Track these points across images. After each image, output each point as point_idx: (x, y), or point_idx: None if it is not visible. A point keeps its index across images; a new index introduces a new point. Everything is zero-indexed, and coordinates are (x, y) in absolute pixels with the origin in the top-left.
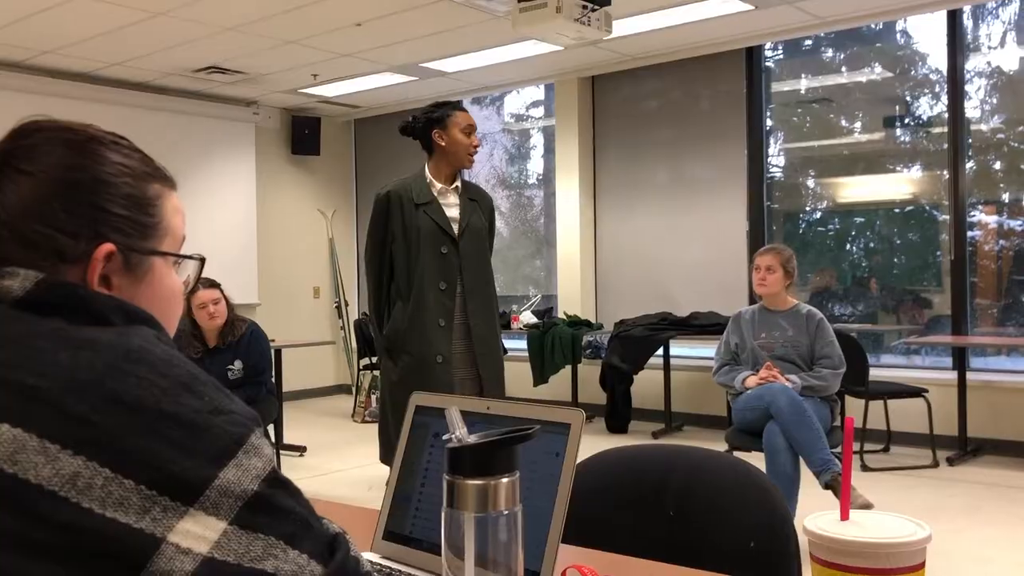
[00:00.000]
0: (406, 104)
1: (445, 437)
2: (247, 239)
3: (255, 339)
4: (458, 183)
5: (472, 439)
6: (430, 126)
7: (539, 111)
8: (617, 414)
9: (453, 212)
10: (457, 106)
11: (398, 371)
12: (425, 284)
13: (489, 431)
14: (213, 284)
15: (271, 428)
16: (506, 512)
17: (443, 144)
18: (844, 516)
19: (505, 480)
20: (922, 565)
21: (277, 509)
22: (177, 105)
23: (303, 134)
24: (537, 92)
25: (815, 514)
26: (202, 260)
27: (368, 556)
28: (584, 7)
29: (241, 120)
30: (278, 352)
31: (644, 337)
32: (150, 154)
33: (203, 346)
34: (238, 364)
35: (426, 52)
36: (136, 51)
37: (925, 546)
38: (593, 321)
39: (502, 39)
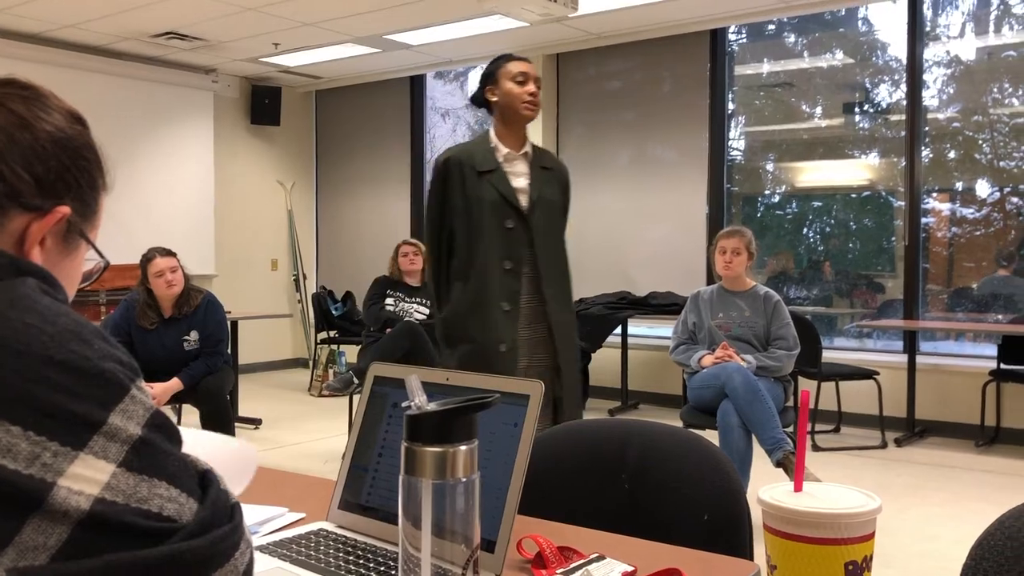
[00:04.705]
0: (369, 76)
1: (404, 404)
2: (204, 209)
3: (211, 309)
4: (528, 149)
5: (432, 406)
6: (483, 84)
7: None
8: None
9: (521, 182)
10: (509, 56)
11: (456, 359)
12: (488, 262)
13: (449, 399)
14: (170, 253)
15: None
16: (464, 480)
17: (496, 100)
18: (798, 488)
19: (464, 448)
20: (872, 535)
21: (160, 451)
22: (133, 71)
23: (263, 104)
24: None
25: (769, 485)
26: (107, 265)
27: (324, 526)
28: None
29: (199, 88)
30: (234, 324)
31: (602, 316)
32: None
33: (158, 316)
34: (194, 335)
35: (390, 23)
36: (91, 13)
37: (875, 517)
38: None
39: (468, 13)
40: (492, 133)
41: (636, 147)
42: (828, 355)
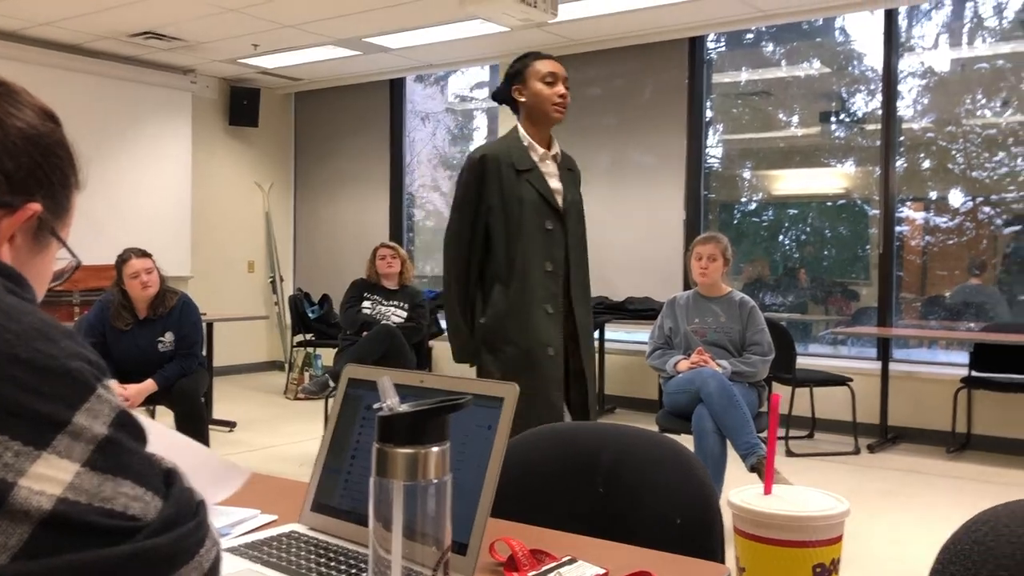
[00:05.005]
0: (348, 78)
1: (376, 406)
2: (181, 210)
3: (186, 311)
4: (556, 150)
5: (404, 407)
6: (509, 84)
7: (483, 92)
8: None
9: (555, 183)
10: (536, 55)
11: (500, 365)
12: (530, 264)
13: (421, 401)
14: (145, 254)
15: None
16: (436, 481)
17: (524, 100)
18: (767, 491)
19: (436, 449)
20: (839, 538)
21: (125, 450)
22: (111, 70)
23: (241, 105)
24: (482, 73)
25: (740, 488)
26: (78, 264)
27: (296, 528)
28: None
29: (178, 88)
30: (209, 326)
31: None
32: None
33: (133, 317)
34: (169, 336)
35: (370, 26)
36: (68, 11)
37: (843, 520)
38: None
39: (448, 17)
40: (523, 132)
41: (615, 153)
42: (803, 361)
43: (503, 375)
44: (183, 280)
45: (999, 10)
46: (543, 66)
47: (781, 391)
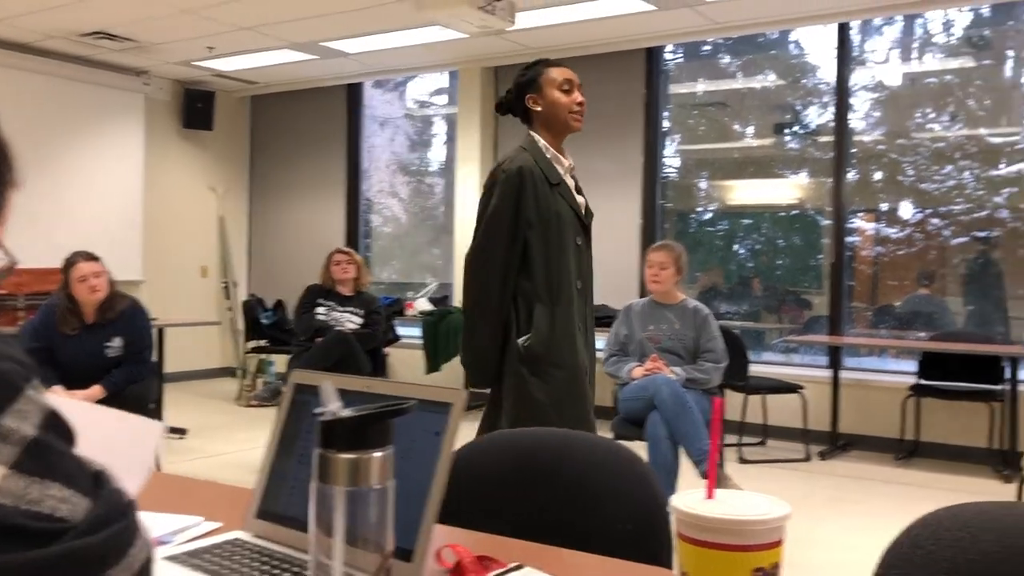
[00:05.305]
0: (305, 82)
1: (318, 411)
2: (132, 214)
3: (135, 316)
4: (571, 161)
5: (346, 412)
6: (522, 93)
7: (442, 98)
8: None
9: (578, 196)
10: (547, 62)
11: (548, 389)
12: (568, 282)
13: (365, 406)
14: (93, 257)
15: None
16: (378, 487)
17: (540, 110)
18: (710, 495)
19: (378, 454)
20: (780, 542)
21: (54, 452)
22: (61, 70)
23: (196, 108)
24: (441, 79)
25: (683, 493)
26: (14, 263)
27: (240, 535)
28: None
29: (130, 90)
30: (160, 331)
31: None
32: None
33: (80, 322)
34: (117, 341)
35: (328, 31)
36: (18, 8)
37: (783, 524)
38: None
39: (406, 22)
40: (544, 143)
41: (572, 161)
42: (756, 369)
43: (553, 400)
44: (134, 285)
45: (947, 27)
46: (559, 73)
47: (734, 398)
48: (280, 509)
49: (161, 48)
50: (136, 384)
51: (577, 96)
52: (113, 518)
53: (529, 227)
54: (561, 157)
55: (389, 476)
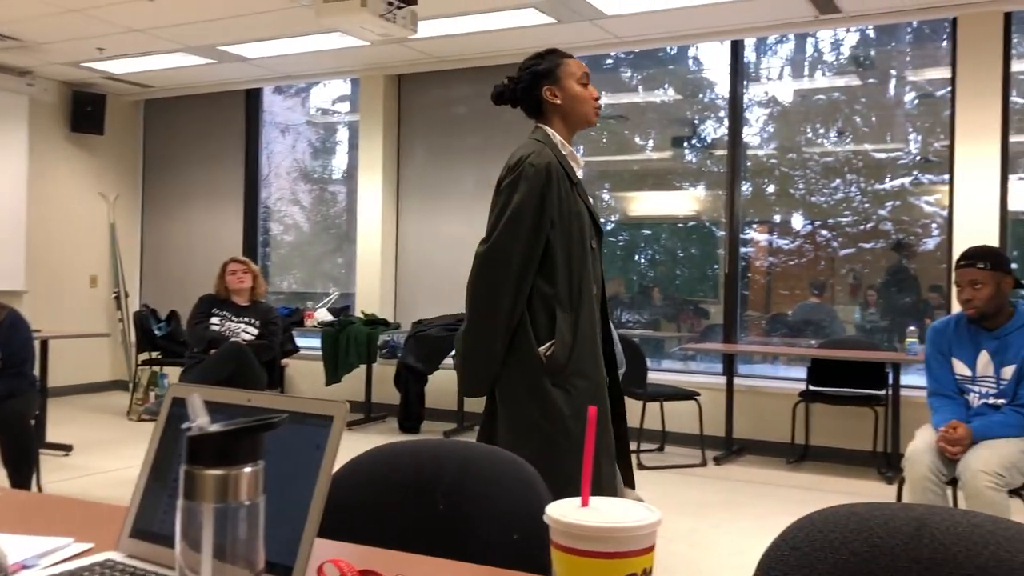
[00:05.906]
0: (203, 87)
1: (185, 426)
2: (15, 220)
3: (15, 327)
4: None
5: (214, 427)
6: (537, 83)
7: (345, 106)
8: (411, 414)
9: (590, 197)
10: (562, 52)
11: (572, 400)
12: (587, 287)
13: (235, 420)
14: None
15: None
16: (248, 503)
17: (559, 102)
18: (584, 502)
19: (248, 470)
20: (651, 548)
21: None
22: None
23: (85, 111)
24: (344, 86)
25: (558, 501)
26: None
27: (112, 556)
28: (390, 3)
29: (13, 91)
30: (44, 343)
31: (440, 337)
32: None
33: None
34: None
35: (225, 35)
36: None
37: (654, 530)
38: (391, 320)
39: (307, 28)
40: (559, 138)
41: (480, 173)
42: (655, 376)
43: (573, 412)
44: (16, 295)
45: (836, 46)
46: (577, 67)
47: (634, 406)
48: (155, 527)
49: (46, 48)
50: (14, 398)
51: (594, 91)
52: None
53: (552, 227)
54: (575, 153)
55: (260, 492)
